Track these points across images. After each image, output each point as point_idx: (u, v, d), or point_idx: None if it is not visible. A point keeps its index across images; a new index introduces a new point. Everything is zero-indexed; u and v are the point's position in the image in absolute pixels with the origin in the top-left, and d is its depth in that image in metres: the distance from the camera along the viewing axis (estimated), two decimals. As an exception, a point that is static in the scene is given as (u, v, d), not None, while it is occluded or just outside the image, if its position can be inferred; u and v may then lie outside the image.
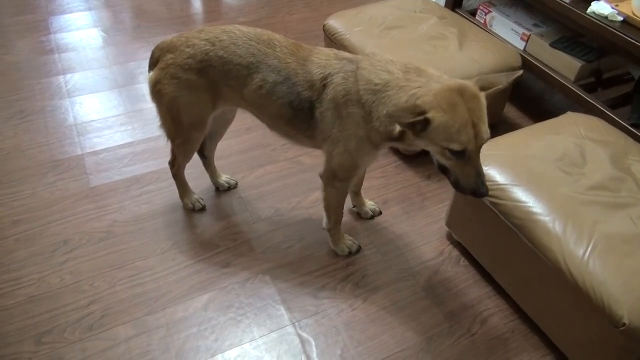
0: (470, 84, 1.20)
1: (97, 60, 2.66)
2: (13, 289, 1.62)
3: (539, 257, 1.40)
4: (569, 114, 1.78)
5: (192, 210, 1.89)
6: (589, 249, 1.31)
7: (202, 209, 1.90)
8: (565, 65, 2.08)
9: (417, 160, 2.16)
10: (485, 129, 1.18)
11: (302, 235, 1.83)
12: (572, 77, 2.07)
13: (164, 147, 2.16)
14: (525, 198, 1.44)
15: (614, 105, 2.01)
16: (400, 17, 2.26)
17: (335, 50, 1.42)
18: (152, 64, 1.54)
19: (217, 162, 1.97)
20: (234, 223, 1.87)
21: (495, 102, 2.22)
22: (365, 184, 2.04)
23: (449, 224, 1.80)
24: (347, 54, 1.40)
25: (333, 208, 1.65)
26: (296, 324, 1.58)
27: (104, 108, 2.36)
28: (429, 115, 1.15)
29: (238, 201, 1.96)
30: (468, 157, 1.20)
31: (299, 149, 2.14)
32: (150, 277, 1.68)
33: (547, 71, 2.13)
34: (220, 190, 1.99)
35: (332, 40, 2.25)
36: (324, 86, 1.35)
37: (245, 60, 1.42)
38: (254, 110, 1.55)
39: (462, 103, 1.16)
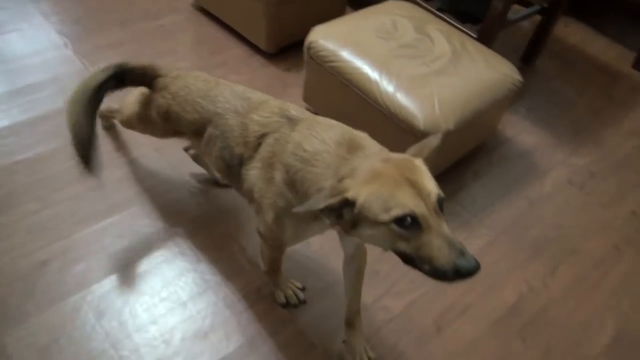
0: (400, 155, 1.06)
1: None
2: None
3: (366, 101, 1.85)
4: (389, 1, 2.24)
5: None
6: (397, 87, 1.78)
7: None
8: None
9: (279, 56, 2.52)
10: (431, 185, 0.97)
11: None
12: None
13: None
14: (351, 58, 1.88)
15: (427, -2, 2.51)
16: None
17: (283, 106, 1.28)
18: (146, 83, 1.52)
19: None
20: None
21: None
22: (233, 78, 2.38)
23: (305, 99, 2.21)
24: (293, 112, 1.24)
25: (267, 262, 1.53)
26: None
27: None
28: (349, 194, 0.95)
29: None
30: (426, 226, 0.93)
31: (171, 55, 2.40)
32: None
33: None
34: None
35: None
36: (259, 144, 1.24)
37: (190, 116, 1.40)
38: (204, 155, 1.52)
39: (389, 168, 0.97)
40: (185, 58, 2.44)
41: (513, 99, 2.14)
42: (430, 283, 1.74)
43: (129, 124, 1.71)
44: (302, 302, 1.64)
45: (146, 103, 1.54)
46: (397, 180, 0.95)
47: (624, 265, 1.93)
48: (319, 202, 0.96)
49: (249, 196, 1.30)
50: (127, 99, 1.68)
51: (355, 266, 1.45)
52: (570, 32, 3.06)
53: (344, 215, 0.98)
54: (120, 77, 1.48)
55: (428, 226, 0.93)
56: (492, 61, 1.95)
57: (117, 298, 1.56)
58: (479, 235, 1.92)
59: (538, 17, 2.62)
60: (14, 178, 1.82)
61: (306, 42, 2.00)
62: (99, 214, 1.76)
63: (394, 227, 0.93)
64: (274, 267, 1.55)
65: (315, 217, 1.10)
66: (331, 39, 1.93)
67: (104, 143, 1.98)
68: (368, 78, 1.82)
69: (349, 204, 0.96)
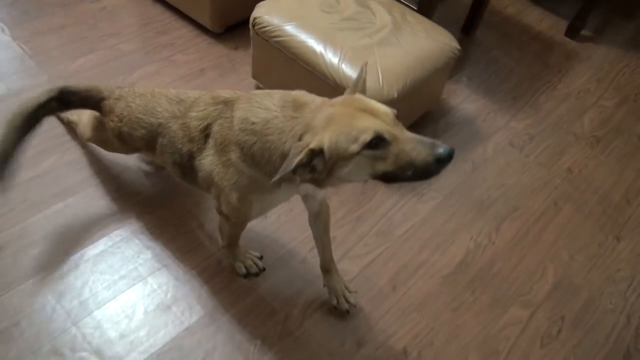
0: (342, 96, 1.13)
1: None
2: None
3: (313, 74, 1.90)
4: (330, -23, 2.27)
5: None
6: (341, 58, 1.84)
7: None
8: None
9: (226, 35, 2.52)
10: (379, 105, 1.04)
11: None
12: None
13: None
14: (296, 32, 1.91)
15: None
16: None
17: (214, 94, 1.29)
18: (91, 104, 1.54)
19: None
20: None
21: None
22: (180, 58, 2.37)
23: (254, 75, 2.24)
24: (226, 95, 1.27)
25: (227, 236, 1.57)
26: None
27: None
28: (313, 145, 0.99)
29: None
30: (393, 138, 0.99)
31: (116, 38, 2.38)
32: None
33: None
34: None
35: None
36: (206, 137, 1.27)
37: (138, 133, 1.43)
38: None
39: (338, 109, 1.04)
40: (130, 40, 2.41)
41: (454, 67, 2.24)
42: (384, 246, 1.84)
43: (91, 142, 1.79)
44: (262, 270, 1.69)
45: (101, 127, 1.58)
46: (351, 114, 1.01)
47: (562, 219, 2.08)
48: (289, 164, 1.00)
49: (207, 184, 1.32)
50: (83, 119, 1.70)
51: (322, 222, 1.54)
52: (508, 3, 3.19)
53: (316, 166, 1.03)
54: (65, 100, 1.49)
55: (395, 138, 0.99)
56: (432, 31, 2.03)
57: (77, 279, 1.57)
58: (427, 199, 2.02)
59: (476, -11, 2.73)
60: (-42, 168, 1.78)
61: (251, 18, 2.02)
62: (51, 198, 1.74)
63: (367, 152, 0.99)
64: (233, 242, 1.60)
65: (279, 185, 1.16)
66: (275, 14, 1.96)
67: (52, 127, 1.96)
68: (313, 51, 1.86)
69: (316, 154, 1.00)
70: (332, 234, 1.78)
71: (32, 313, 1.48)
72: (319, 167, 1.03)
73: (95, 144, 1.78)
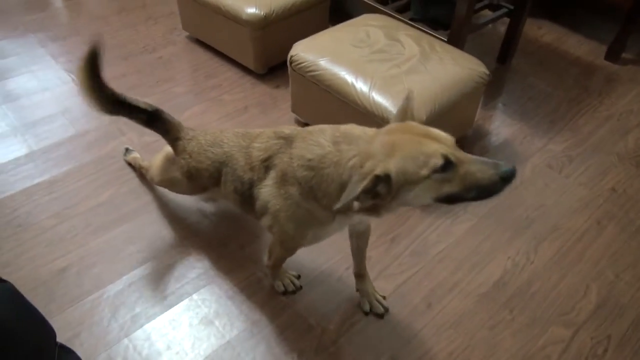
0: (395, 124, 1.17)
1: None
2: None
3: (346, 103, 2.02)
4: (363, 15, 2.44)
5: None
6: (372, 87, 1.96)
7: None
8: (362, -14, 2.76)
9: (268, 75, 2.72)
10: (439, 131, 1.09)
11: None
12: (368, -5, 2.75)
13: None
14: (329, 66, 2.06)
15: (400, 10, 2.71)
16: None
17: (276, 129, 1.38)
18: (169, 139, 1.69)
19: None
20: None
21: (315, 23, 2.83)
22: (226, 97, 2.58)
23: (293, 110, 2.39)
24: (286, 131, 1.35)
25: (274, 258, 1.64)
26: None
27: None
28: (378, 171, 1.04)
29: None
30: (459, 161, 1.04)
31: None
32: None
33: (351, -7, 2.80)
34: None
35: None
36: (266, 168, 1.35)
37: (204, 165, 1.56)
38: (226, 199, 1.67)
39: (399, 136, 1.09)
40: (182, 84, 2.66)
41: (488, 95, 2.30)
42: (418, 266, 1.88)
43: (161, 185, 1.95)
44: (299, 289, 1.77)
45: (171, 169, 1.75)
46: (415, 139, 1.06)
47: (606, 238, 2.03)
48: (354, 190, 1.04)
49: (262, 211, 1.40)
50: (155, 163, 1.88)
51: (361, 246, 1.67)
52: (544, 32, 3.23)
53: (380, 192, 1.07)
54: (153, 120, 1.66)
55: (460, 161, 1.05)
56: (460, 59, 2.12)
57: (130, 295, 1.72)
58: (463, 220, 2.05)
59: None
60: (33, 199, 2.01)
61: (288, 57, 2.19)
62: (111, 223, 1.93)
63: (436, 175, 1.04)
64: (279, 264, 1.70)
65: (333, 217, 1.26)
66: (310, 51, 2.13)
67: (110, 163, 2.18)
68: (345, 82, 2.00)
69: (381, 180, 1.05)
70: (367, 254, 1.85)
71: (91, 325, 1.63)
72: (383, 193, 1.07)
73: (164, 186, 1.94)
